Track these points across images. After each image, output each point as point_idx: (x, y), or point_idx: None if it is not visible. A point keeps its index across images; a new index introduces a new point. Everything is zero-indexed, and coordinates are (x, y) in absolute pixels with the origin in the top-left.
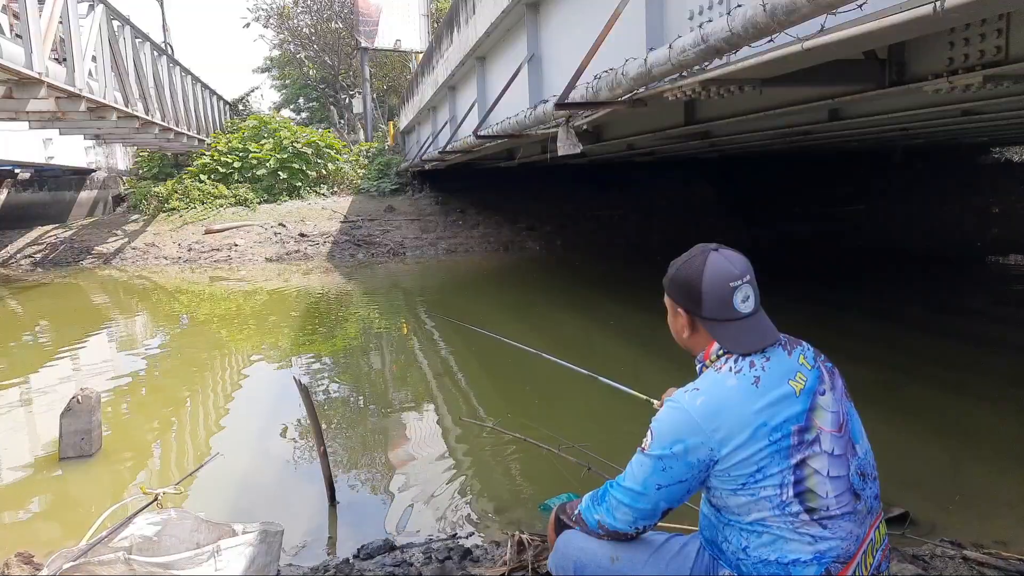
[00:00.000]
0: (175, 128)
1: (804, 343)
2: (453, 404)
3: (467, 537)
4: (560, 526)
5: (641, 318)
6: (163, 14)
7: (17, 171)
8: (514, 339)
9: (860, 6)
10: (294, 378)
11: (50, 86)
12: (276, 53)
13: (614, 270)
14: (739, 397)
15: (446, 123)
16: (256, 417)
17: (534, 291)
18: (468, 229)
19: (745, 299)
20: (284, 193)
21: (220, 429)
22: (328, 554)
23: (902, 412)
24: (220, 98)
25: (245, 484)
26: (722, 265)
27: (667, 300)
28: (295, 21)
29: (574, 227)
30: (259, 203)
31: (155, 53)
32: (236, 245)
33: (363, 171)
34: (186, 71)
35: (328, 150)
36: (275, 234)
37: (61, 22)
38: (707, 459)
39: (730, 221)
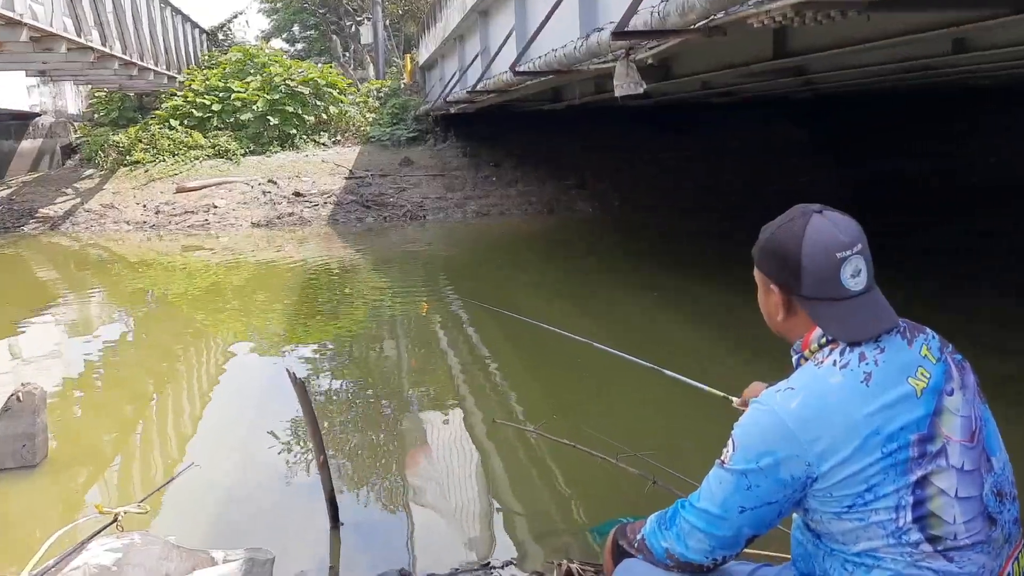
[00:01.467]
0: (139, 63)
1: (928, 330)
2: (485, 404)
3: (503, 567)
4: (619, 554)
5: (718, 295)
6: None
7: None
8: (560, 325)
9: None
10: (288, 371)
11: None
12: None
13: (682, 231)
14: (845, 398)
15: (476, 56)
16: (240, 419)
17: (585, 263)
18: (503, 186)
19: (856, 273)
20: (275, 143)
21: (195, 433)
22: None
23: None
24: (196, 26)
25: (227, 501)
26: (827, 231)
27: (757, 273)
28: None
29: (633, 180)
30: (244, 155)
31: None
32: (215, 207)
33: (373, 116)
34: None
35: (329, 90)
36: (264, 193)
37: None
38: (803, 476)
39: (817, 160)
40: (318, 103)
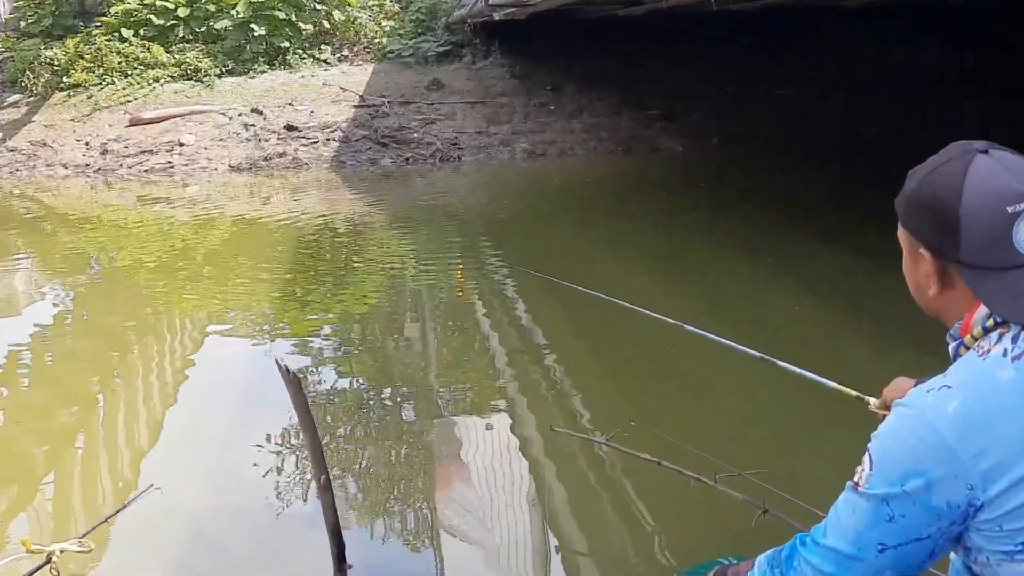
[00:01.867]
0: None
1: None
2: (539, 406)
3: None
4: None
5: (849, 263)
6: None
7: None
8: (639, 301)
9: None
10: (278, 364)
11: None
12: None
13: (801, 178)
14: (1020, 400)
15: None
16: (215, 428)
17: (672, 219)
18: (564, 118)
19: None
20: (261, 60)
21: (155, 447)
22: None
23: None
24: None
25: (196, 537)
26: (995, 176)
27: (902, 234)
28: None
29: (736, 111)
30: (219, 76)
31: None
32: (182, 144)
33: (391, 24)
34: None
35: None
36: (246, 127)
37: None
38: (964, 503)
39: (976, 90)
40: (318, 7)
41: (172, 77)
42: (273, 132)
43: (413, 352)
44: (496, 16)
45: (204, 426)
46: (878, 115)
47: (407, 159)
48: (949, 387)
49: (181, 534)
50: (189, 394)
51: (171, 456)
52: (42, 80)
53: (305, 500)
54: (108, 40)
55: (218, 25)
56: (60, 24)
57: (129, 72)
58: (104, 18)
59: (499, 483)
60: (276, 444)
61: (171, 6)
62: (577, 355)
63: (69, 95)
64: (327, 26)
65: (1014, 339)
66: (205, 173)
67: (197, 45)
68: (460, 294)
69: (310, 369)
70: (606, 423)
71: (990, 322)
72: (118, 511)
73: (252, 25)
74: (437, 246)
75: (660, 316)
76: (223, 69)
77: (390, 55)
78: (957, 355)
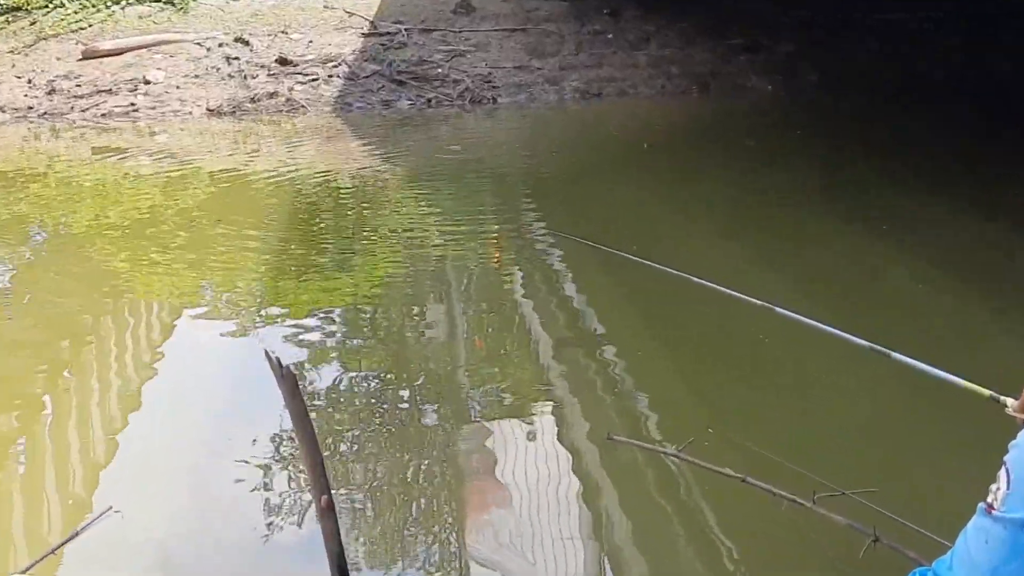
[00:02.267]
0: None
1: None
2: (594, 410)
3: None
4: None
5: (982, 233)
6: None
7: None
8: (719, 279)
9: None
10: (268, 356)
11: None
12: None
13: (921, 130)
14: None
15: None
16: (189, 436)
17: (759, 177)
18: (625, 49)
19: None
20: None
21: (115, 460)
22: None
23: None
24: None
25: (166, 571)
26: None
27: None
28: None
29: (838, 46)
30: None
31: None
32: (148, 83)
33: None
34: None
35: None
36: (228, 60)
37: None
38: None
39: None
40: None
41: None
42: (262, 67)
43: (437, 342)
44: None
45: (176, 434)
46: (1013, 48)
47: (429, 101)
48: None
49: (147, 568)
50: (158, 394)
51: (135, 472)
52: None
53: (301, 526)
54: None
55: None
56: None
57: None
58: None
59: (544, 506)
60: (266, 457)
61: None
62: (641, 345)
63: (7, 21)
64: None
65: None
66: (177, 118)
67: None
68: (497, 263)
69: (308, 363)
70: (677, 430)
71: None
72: (68, 540)
73: None
74: (467, 210)
75: (746, 296)
76: None
77: None
78: None
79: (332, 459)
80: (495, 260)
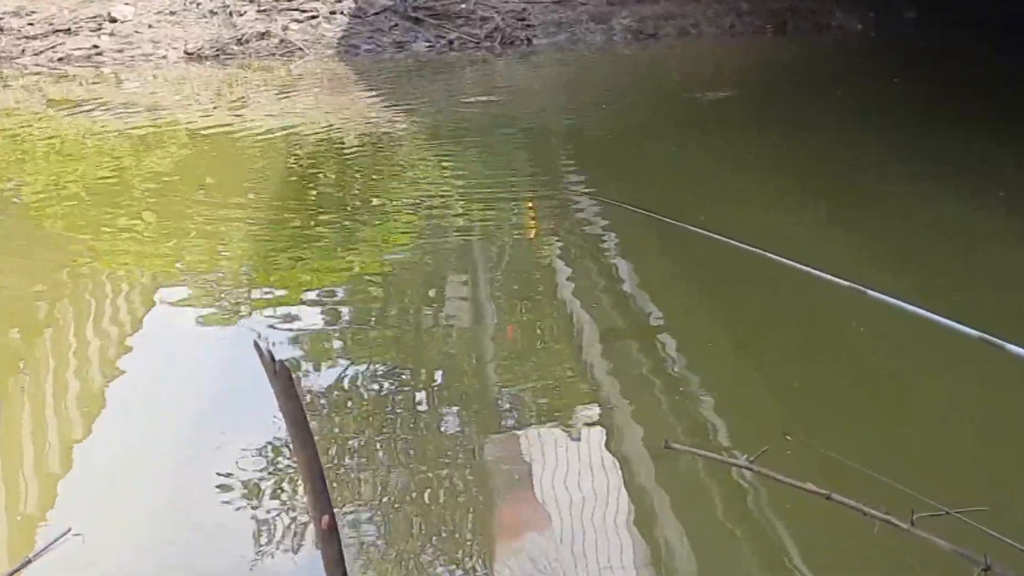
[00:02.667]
0: None
1: None
2: (648, 411)
3: None
4: None
5: None
6: None
7: None
8: (798, 256)
9: None
10: (259, 347)
11: None
12: None
13: None
14: None
15: None
16: (162, 445)
17: (848, 135)
18: None
19: None
20: None
21: (74, 471)
22: None
23: None
24: None
25: None
26: None
27: None
28: None
29: None
30: None
31: None
32: (114, 20)
33: None
34: None
35: None
36: None
37: None
38: None
39: None
40: None
41: None
42: (251, 1)
43: (460, 331)
44: None
45: (148, 443)
46: None
47: (451, 42)
48: None
49: None
50: (126, 395)
51: (99, 488)
52: None
53: (297, 552)
54: None
55: None
56: None
57: None
58: None
59: (589, 529)
60: (255, 469)
61: None
62: (705, 335)
63: None
64: None
65: None
66: (149, 63)
67: None
68: (532, 236)
69: (307, 357)
70: (749, 437)
71: None
72: (20, 568)
73: None
74: (496, 174)
75: (831, 276)
76: None
77: None
78: None
79: (335, 472)
80: (529, 232)
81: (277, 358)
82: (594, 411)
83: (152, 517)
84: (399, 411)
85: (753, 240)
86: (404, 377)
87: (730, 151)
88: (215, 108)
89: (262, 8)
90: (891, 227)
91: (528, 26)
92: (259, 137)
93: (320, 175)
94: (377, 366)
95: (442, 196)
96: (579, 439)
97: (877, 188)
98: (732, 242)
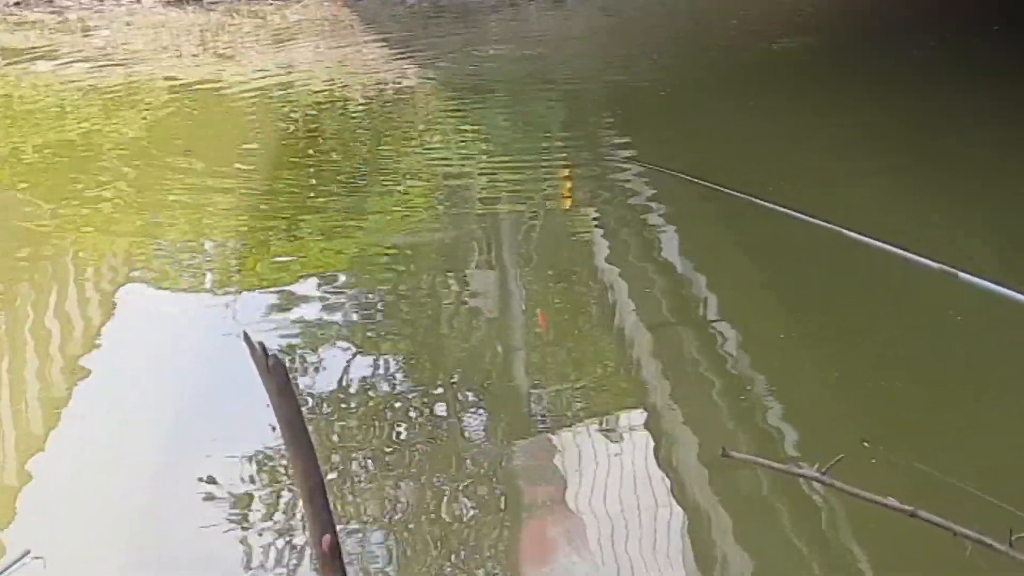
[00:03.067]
0: None
1: None
2: (702, 414)
3: None
4: None
5: None
6: None
7: None
8: (881, 234)
9: None
10: (248, 340)
11: None
12: None
13: None
14: None
15: None
16: (135, 452)
17: (943, 95)
18: None
19: None
20: None
21: (32, 484)
22: None
23: None
24: None
25: None
26: None
27: None
28: None
29: None
30: None
31: None
32: None
33: None
34: None
35: None
36: None
37: None
38: None
39: None
40: None
41: None
42: None
43: (483, 320)
44: None
45: (119, 451)
46: None
47: None
48: None
49: None
50: (93, 395)
51: (63, 503)
52: None
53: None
54: None
55: None
56: None
57: None
58: None
59: (633, 549)
60: (243, 480)
61: None
62: (769, 325)
63: None
64: None
65: None
66: (121, 8)
67: None
68: (568, 205)
69: (305, 351)
70: (820, 445)
71: None
72: None
73: None
74: (525, 137)
75: (919, 257)
76: None
77: None
78: None
79: (337, 484)
80: (565, 204)
81: (270, 351)
82: (638, 413)
83: (122, 535)
84: (412, 413)
85: (830, 216)
86: (418, 374)
87: (803, 113)
88: (198, 61)
89: None
90: (998, 207)
91: None
92: (250, 95)
93: (321, 139)
94: (387, 361)
95: (462, 163)
96: (621, 446)
97: (982, 158)
98: (807, 218)
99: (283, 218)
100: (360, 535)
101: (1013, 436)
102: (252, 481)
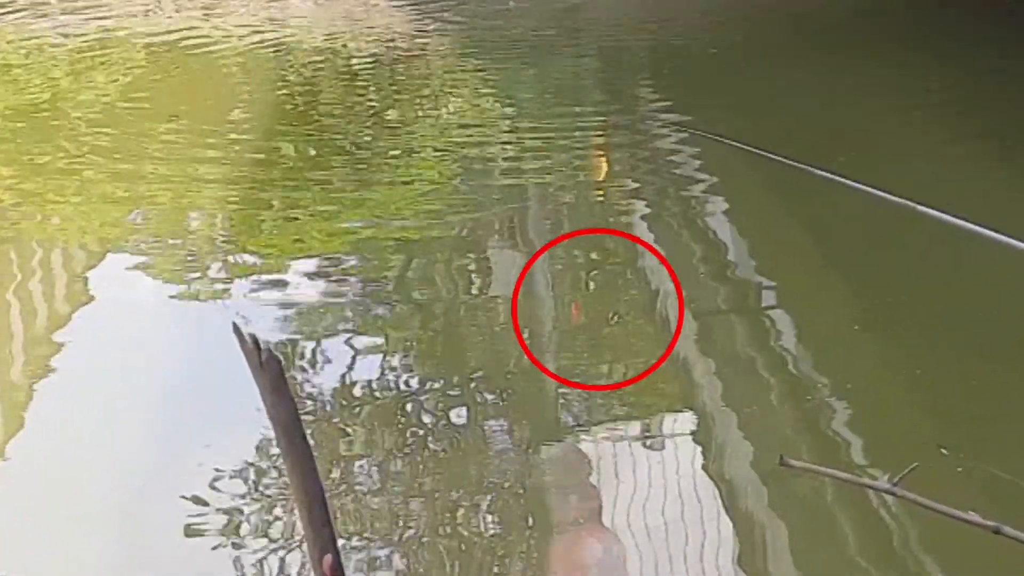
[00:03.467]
0: None
1: None
2: (758, 418)
3: None
4: None
5: None
6: None
7: None
8: (972, 214)
9: None
10: (239, 332)
11: None
12: None
13: None
14: None
15: None
16: (111, 463)
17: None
18: None
19: None
20: None
21: None
22: None
23: None
24: None
25: None
26: None
27: None
28: None
29: None
30: None
31: None
32: None
33: None
34: None
35: None
36: None
37: None
38: None
39: None
40: None
41: None
42: None
43: (505, 309)
44: None
45: (93, 460)
46: None
47: None
48: None
49: None
50: (63, 397)
51: (31, 519)
52: None
53: None
54: None
55: None
56: None
57: None
58: None
59: (679, 568)
60: (234, 492)
61: None
62: (835, 315)
63: None
64: None
65: None
66: None
67: None
68: (603, 177)
69: (302, 344)
70: (892, 452)
71: None
72: None
73: None
74: (555, 101)
75: (1007, 238)
76: None
77: None
78: None
79: (340, 496)
80: (599, 177)
81: (264, 345)
82: (684, 416)
83: (97, 555)
84: (424, 416)
85: (899, 190)
86: (432, 370)
87: (870, 75)
88: (179, 11)
89: None
90: None
91: None
92: (240, 51)
93: (320, 103)
94: (396, 355)
95: (482, 130)
96: (664, 454)
97: None
98: (872, 190)
99: (279, 191)
100: (365, 553)
101: None
102: (242, 492)
